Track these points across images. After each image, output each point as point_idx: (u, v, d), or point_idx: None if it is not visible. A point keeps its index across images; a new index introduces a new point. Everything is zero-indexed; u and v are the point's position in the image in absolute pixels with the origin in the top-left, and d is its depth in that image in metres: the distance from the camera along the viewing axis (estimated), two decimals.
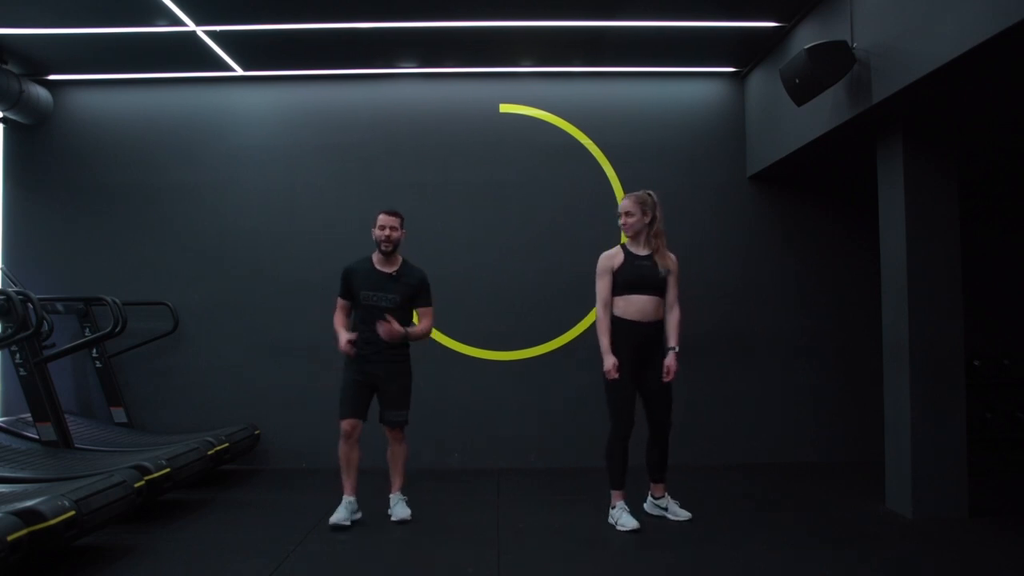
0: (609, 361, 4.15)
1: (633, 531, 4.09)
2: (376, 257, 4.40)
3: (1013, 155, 5.73)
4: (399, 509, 4.33)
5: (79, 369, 6.00)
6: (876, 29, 4.10)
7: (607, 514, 4.26)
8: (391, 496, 4.40)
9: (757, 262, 6.12)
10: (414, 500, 4.49)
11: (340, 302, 4.44)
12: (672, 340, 4.32)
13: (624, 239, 4.38)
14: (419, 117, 6.08)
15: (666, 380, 4.24)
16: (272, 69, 5.98)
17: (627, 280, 4.22)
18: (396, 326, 4.20)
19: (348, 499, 4.29)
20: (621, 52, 5.68)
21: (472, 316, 6.01)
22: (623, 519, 4.17)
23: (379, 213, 4.37)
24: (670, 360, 4.24)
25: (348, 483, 4.31)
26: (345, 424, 4.24)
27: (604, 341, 4.20)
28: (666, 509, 4.39)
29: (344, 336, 4.26)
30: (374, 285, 4.33)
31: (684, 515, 4.34)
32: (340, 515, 4.22)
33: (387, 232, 4.32)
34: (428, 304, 4.47)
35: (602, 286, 4.28)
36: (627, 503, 4.23)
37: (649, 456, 4.38)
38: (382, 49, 5.60)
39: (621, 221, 4.30)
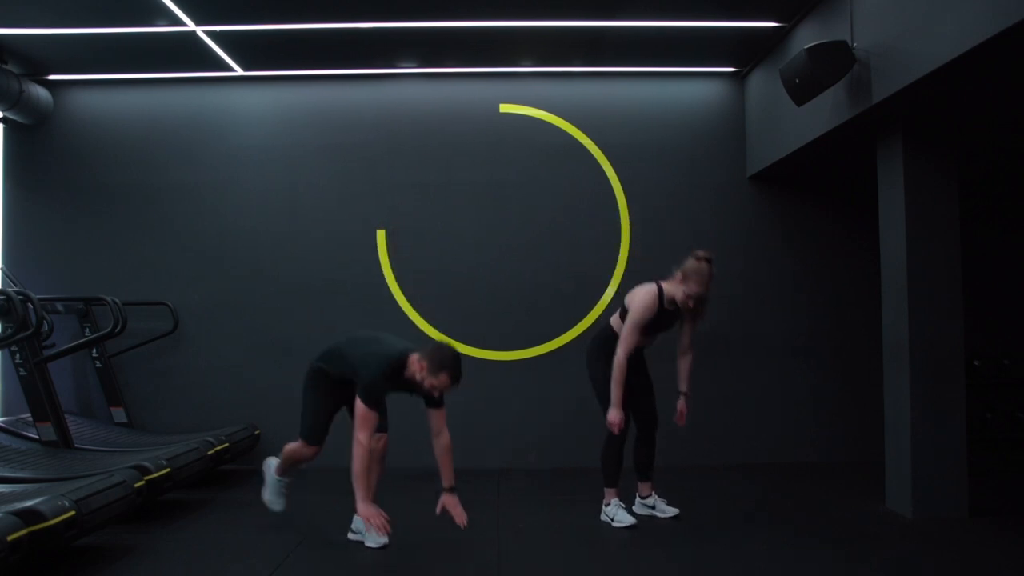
0: (618, 415, 4.06)
1: (630, 527, 4.12)
2: (408, 374, 3.70)
3: (1013, 155, 5.73)
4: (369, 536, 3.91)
5: (79, 369, 5.99)
6: (876, 29, 4.09)
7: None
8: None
9: (757, 262, 6.12)
10: (413, 499, 4.49)
11: (372, 418, 3.66)
12: (684, 385, 4.35)
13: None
14: (419, 117, 6.08)
15: (679, 423, 4.31)
16: (272, 69, 5.98)
17: (652, 326, 4.17)
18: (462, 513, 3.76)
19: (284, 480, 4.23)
20: (621, 52, 5.68)
21: (472, 316, 6.01)
22: (620, 515, 4.20)
23: (444, 372, 3.59)
24: (683, 405, 4.32)
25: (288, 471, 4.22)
26: (312, 452, 4.00)
27: (618, 393, 4.06)
28: (654, 507, 4.41)
29: (377, 511, 3.67)
30: (401, 389, 3.79)
31: (671, 511, 4.37)
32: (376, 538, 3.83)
33: (437, 393, 3.72)
34: (443, 403, 3.83)
35: (635, 339, 4.09)
36: (621, 500, 4.28)
37: (637, 455, 4.41)
38: (383, 49, 5.60)
39: (690, 303, 4.06)
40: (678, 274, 4.07)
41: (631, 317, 4.10)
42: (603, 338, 4.34)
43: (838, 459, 5.93)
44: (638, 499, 4.46)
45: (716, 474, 5.57)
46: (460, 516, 3.73)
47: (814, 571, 3.54)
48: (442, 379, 3.62)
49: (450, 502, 3.76)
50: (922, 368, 4.35)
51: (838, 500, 4.80)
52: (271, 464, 4.27)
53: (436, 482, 3.82)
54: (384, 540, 3.81)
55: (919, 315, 4.36)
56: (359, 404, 3.65)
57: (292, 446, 4.10)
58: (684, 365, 4.33)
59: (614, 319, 4.33)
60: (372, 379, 3.65)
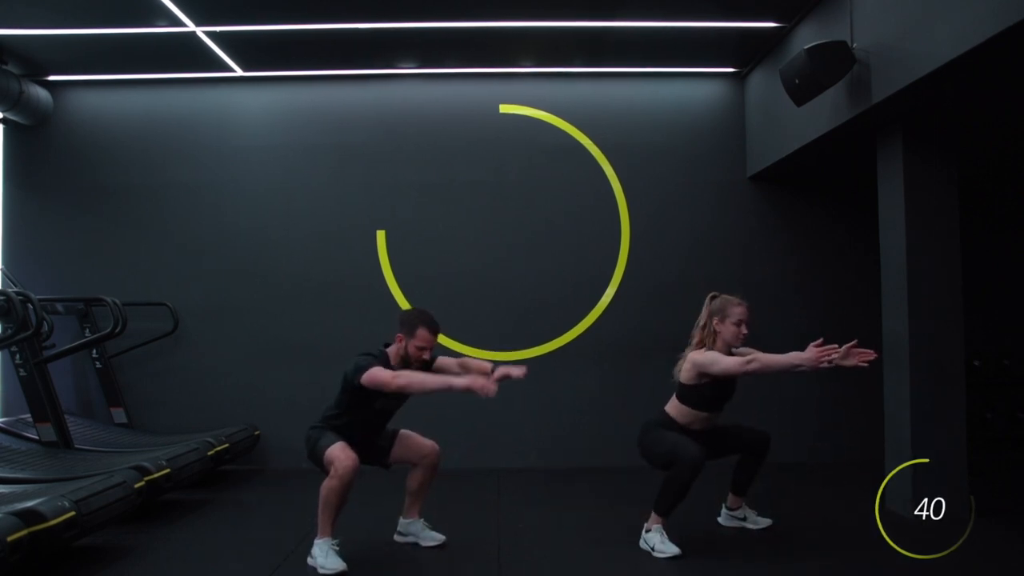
0: (813, 352, 3.61)
1: (675, 557, 3.70)
2: (395, 361, 3.60)
3: (1013, 155, 5.73)
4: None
5: (79, 369, 5.99)
6: (876, 29, 4.10)
7: (607, 514, 4.26)
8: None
9: (757, 262, 6.11)
10: None
11: (387, 376, 3.41)
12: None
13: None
14: (419, 118, 6.08)
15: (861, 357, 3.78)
16: (272, 69, 5.98)
17: (716, 393, 3.91)
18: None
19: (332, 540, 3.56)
20: (621, 52, 5.68)
21: (473, 316, 6.00)
22: (665, 545, 3.74)
23: (421, 327, 3.53)
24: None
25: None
26: (351, 468, 3.42)
27: (782, 359, 3.68)
28: (744, 519, 4.20)
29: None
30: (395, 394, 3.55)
31: (765, 522, 4.17)
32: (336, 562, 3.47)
33: (426, 354, 3.60)
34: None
35: (729, 360, 3.72)
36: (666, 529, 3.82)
37: (741, 472, 4.16)
38: (382, 50, 5.60)
39: (743, 331, 3.87)
40: (714, 323, 3.86)
41: (713, 354, 3.78)
42: (658, 421, 3.99)
43: (838, 459, 5.93)
44: (725, 510, 4.23)
45: (715, 474, 5.55)
46: (517, 372, 3.47)
47: (814, 571, 3.54)
48: (422, 334, 3.54)
49: (503, 370, 3.47)
50: (922, 368, 4.35)
51: (838, 500, 4.80)
52: (314, 545, 3.56)
53: (437, 482, 3.82)
54: (342, 567, 3.46)
55: (919, 315, 4.36)
56: (368, 373, 3.38)
57: (326, 483, 3.49)
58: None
59: (670, 406, 4.01)
60: (361, 357, 3.51)
